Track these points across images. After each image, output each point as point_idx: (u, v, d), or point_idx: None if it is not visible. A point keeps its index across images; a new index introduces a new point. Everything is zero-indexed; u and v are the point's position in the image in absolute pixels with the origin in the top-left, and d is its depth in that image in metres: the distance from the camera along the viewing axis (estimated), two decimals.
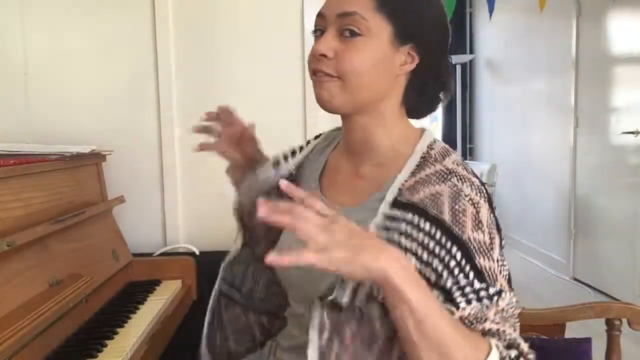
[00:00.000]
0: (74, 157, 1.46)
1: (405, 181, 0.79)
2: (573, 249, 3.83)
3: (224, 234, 1.93)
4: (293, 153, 1.02)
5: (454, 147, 5.55)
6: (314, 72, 0.82)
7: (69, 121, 1.88)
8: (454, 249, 0.73)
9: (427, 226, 0.74)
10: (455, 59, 5.41)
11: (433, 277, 0.73)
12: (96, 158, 1.63)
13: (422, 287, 0.68)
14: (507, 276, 0.78)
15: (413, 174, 0.80)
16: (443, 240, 0.73)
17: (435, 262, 0.73)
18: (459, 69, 5.46)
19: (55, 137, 1.79)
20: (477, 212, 0.76)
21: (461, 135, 5.55)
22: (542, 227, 4.29)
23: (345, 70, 0.79)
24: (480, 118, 5.65)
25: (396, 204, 0.77)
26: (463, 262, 0.73)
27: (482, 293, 0.73)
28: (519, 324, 0.78)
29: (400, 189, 0.78)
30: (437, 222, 0.74)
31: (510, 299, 0.75)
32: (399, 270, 0.65)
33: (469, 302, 0.72)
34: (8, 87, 1.84)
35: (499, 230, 0.79)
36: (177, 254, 1.83)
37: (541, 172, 4.30)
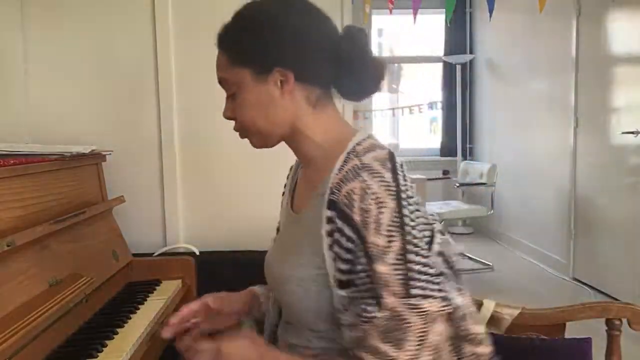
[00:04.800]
0: (74, 157, 1.46)
1: (335, 177, 0.83)
2: (573, 249, 3.83)
3: (224, 234, 1.94)
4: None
5: (454, 147, 5.56)
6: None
7: (69, 121, 1.88)
8: (361, 255, 0.77)
9: (345, 228, 0.78)
10: (455, 59, 5.41)
11: (352, 287, 0.79)
12: (96, 158, 1.63)
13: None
14: (404, 279, 0.76)
15: (339, 170, 0.83)
16: (355, 244, 0.78)
17: (354, 268, 0.78)
18: (458, 69, 5.46)
19: (55, 137, 1.80)
20: (380, 213, 0.77)
21: (461, 135, 5.55)
22: (542, 227, 4.28)
23: (243, 124, 0.91)
24: (480, 118, 5.64)
25: (330, 203, 0.81)
26: (367, 269, 0.77)
27: (364, 314, 0.76)
28: (409, 339, 0.75)
29: (331, 187, 0.82)
30: (349, 222, 0.78)
31: (391, 314, 0.75)
32: None
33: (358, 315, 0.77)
34: (8, 87, 1.84)
35: (403, 230, 0.77)
36: (177, 254, 1.83)
37: (541, 172, 4.29)
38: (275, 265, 0.94)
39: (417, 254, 0.77)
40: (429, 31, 6.20)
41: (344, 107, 1.88)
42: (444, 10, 3.13)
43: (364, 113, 5.81)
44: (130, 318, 1.32)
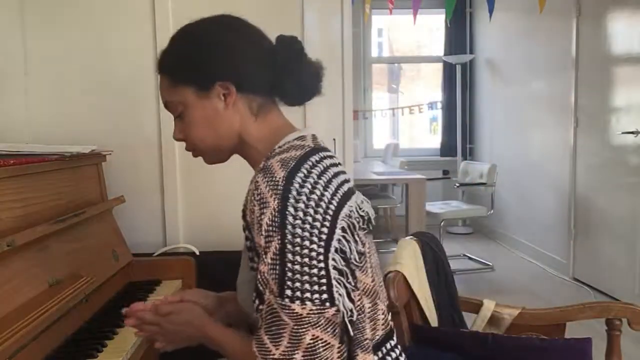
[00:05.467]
0: (74, 157, 1.46)
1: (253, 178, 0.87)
2: (573, 249, 3.83)
3: (224, 234, 1.93)
4: None
5: (454, 147, 5.55)
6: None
7: (69, 121, 1.88)
8: (255, 254, 0.83)
9: (246, 231, 0.85)
10: (455, 59, 5.41)
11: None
12: (96, 158, 1.63)
13: (214, 332, 0.90)
14: (279, 279, 0.77)
15: (259, 169, 0.86)
16: (252, 242, 0.84)
17: (252, 262, 0.85)
18: (459, 69, 5.46)
19: (55, 137, 1.79)
20: (262, 214, 0.79)
21: (461, 135, 5.55)
22: (542, 227, 4.28)
23: (193, 143, 0.94)
24: (480, 118, 5.64)
25: (243, 207, 0.88)
26: (258, 265, 0.81)
27: (254, 304, 0.82)
28: (283, 337, 0.77)
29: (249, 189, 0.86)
30: (246, 226, 0.85)
31: (270, 310, 0.79)
32: (199, 337, 0.91)
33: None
34: (8, 87, 1.84)
35: (283, 229, 0.77)
36: (177, 254, 1.83)
37: (541, 172, 4.29)
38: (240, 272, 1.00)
39: (296, 254, 0.77)
40: (429, 31, 6.20)
41: (344, 107, 1.88)
42: (444, 10, 3.13)
43: (364, 113, 5.81)
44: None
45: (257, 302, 0.81)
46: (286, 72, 0.92)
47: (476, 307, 1.26)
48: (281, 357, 0.78)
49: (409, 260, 1.28)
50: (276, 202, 0.78)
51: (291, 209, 0.78)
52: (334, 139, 1.79)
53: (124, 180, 1.84)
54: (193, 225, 1.95)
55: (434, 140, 6.08)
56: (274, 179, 0.80)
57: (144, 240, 1.88)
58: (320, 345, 0.78)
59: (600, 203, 3.51)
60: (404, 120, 6.10)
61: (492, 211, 4.23)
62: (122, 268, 1.58)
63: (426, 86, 6.36)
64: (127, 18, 1.89)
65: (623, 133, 3.18)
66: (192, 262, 1.70)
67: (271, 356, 0.78)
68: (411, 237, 1.43)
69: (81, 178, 1.55)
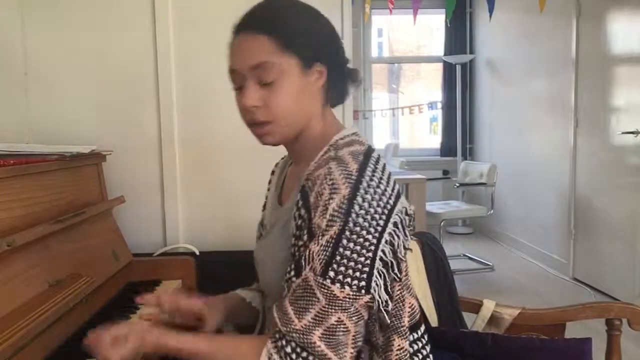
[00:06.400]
0: (74, 157, 1.46)
1: (312, 165, 0.89)
2: (573, 249, 3.83)
3: (224, 234, 1.94)
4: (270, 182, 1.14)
5: (454, 147, 5.56)
6: (249, 124, 0.93)
7: (69, 121, 1.88)
8: (305, 231, 0.84)
9: (302, 210, 0.85)
10: (455, 59, 5.41)
11: (292, 252, 0.86)
12: (96, 158, 1.63)
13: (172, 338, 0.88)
14: (326, 261, 0.81)
15: (317, 160, 0.90)
16: (304, 223, 0.84)
17: (296, 240, 0.85)
18: (459, 69, 5.46)
19: (55, 137, 1.79)
20: (330, 198, 0.81)
21: (461, 135, 5.55)
22: (542, 227, 4.29)
23: (276, 114, 0.89)
24: (480, 118, 5.65)
25: (300, 189, 0.87)
26: (302, 245, 0.84)
27: (287, 275, 0.85)
28: (310, 311, 0.81)
29: (306, 175, 0.88)
30: (306, 205, 0.84)
31: (304, 284, 0.81)
32: (157, 344, 0.88)
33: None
34: (8, 87, 1.84)
35: (347, 217, 0.81)
36: (177, 254, 1.83)
37: (541, 172, 4.30)
38: (264, 254, 1.01)
39: (351, 241, 0.81)
40: (429, 31, 6.20)
41: (344, 107, 1.88)
42: (444, 10, 3.13)
43: (364, 113, 5.81)
44: (130, 318, 1.32)
45: (292, 273, 0.84)
46: (344, 71, 0.98)
47: (476, 307, 1.26)
48: (302, 329, 0.81)
49: (409, 260, 1.28)
50: (348, 190, 0.81)
51: (359, 199, 0.81)
52: None
53: (124, 180, 1.84)
54: (193, 225, 1.95)
55: (434, 140, 6.08)
56: (347, 168, 0.83)
57: (144, 240, 1.88)
58: (341, 328, 0.82)
59: (600, 203, 3.51)
60: (404, 120, 6.11)
61: (492, 211, 4.23)
62: (122, 268, 1.58)
63: (426, 86, 6.36)
64: (127, 18, 1.89)
65: (623, 133, 3.18)
66: (192, 262, 1.70)
67: (292, 326, 0.81)
68: (411, 237, 1.42)
69: (81, 178, 1.55)
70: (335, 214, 0.80)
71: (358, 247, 0.81)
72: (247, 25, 0.90)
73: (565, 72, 3.81)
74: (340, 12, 1.94)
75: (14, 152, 1.39)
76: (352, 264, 0.80)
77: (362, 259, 0.81)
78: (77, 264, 1.32)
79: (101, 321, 1.29)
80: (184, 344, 0.88)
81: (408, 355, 0.92)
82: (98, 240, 1.51)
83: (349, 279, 0.80)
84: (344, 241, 0.80)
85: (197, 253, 1.84)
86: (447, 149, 5.77)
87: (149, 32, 1.88)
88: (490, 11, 2.87)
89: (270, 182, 1.15)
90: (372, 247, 0.82)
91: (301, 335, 0.81)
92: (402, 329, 0.90)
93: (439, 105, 5.86)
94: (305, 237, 0.84)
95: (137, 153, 1.91)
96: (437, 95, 5.91)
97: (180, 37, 1.90)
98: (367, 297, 0.82)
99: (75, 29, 1.88)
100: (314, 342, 0.80)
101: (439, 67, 5.86)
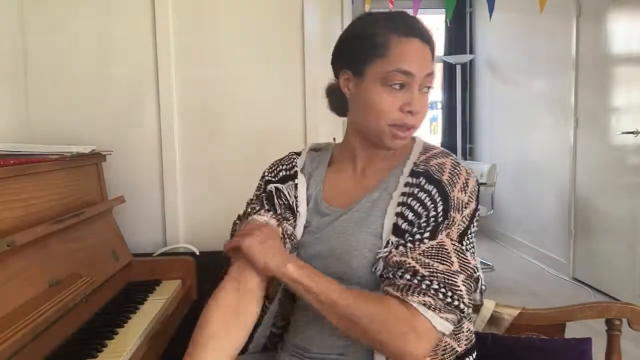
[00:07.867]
0: (74, 157, 1.46)
1: (418, 159, 0.99)
2: (573, 249, 3.83)
3: (224, 234, 1.93)
4: (284, 178, 1.09)
5: (454, 147, 5.56)
6: (398, 125, 0.96)
7: (69, 121, 1.88)
8: (439, 202, 0.91)
9: (427, 185, 0.93)
10: (455, 59, 5.41)
11: (413, 228, 0.91)
12: (96, 158, 1.63)
13: (307, 271, 0.91)
14: (463, 231, 0.92)
15: (421, 154, 1.00)
16: (436, 195, 0.92)
17: (423, 213, 0.91)
18: (459, 69, 5.46)
19: (55, 137, 1.80)
20: (467, 179, 0.94)
21: (461, 135, 5.55)
22: (542, 227, 4.28)
23: (421, 120, 0.99)
24: (480, 118, 5.64)
25: (412, 173, 0.96)
26: (440, 213, 0.91)
27: (411, 244, 0.90)
28: (451, 260, 0.88)
29: (415, 163, 0.98)
30: (436, 182, 0.93)
31: (438, 245, 0.89)
32: (289, 266, 0.91)
33: (404, 245, 0.90)
34: (8, 87, 1.85)
35: (477, 201, 0.95)
36: (177, 254, 1.84)
37: (541, 172, 4.29)
38: (342, 241, 0.98)
39: (476, 221, 0.95)
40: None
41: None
42: (444, 10, 3.13)
43: None
44: (130, 318, 1.32)
45: (426, 235, 0.89)
46: None
47: (476, 307, 1.26)
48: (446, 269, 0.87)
49: None
50: (475, 178, 0.97)
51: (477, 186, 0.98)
52: (334, 138, 1.78)
53: (124, 180, 1.84)
54: (193, 225, 1.95)
55: (434, 140, 6.08)
56: (460, 163, 0.96)
57: (144, 240, 1.88)
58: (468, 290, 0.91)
59: (600, 203, 3.51)
60: None
61: (492, 211, 4.23)
62: (122, 268, 1.58)
63: None
64: (127, 18, 1.89)
65: (623, 133, 3.18)
66: (192, 262, 1.70)
67: (436, 267, 0.87)
68: None
69: (81, 178, 1.55)
70: (473, 193, 0.94)
71: (476, 228, 0.96)
72: (421, 34, 0.96)
73: (565, 72, 3.81)
74: (340, 12, 1.94)
75: (14, 152, 1.39)
76: (473, 240, 0.95)
77: (475, 238, 0.96)
78: (77, 264, 1.32)
79: (101, 321, 1.30)
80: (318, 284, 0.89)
81: (473, 336, 1.01)
82: (98, 240, 1.51)
83: (473, 250, 0.94)
84: (475, 222, 0.95)
85: (197, 253, 1.84)
86: (447, 148, 5.64)
87: (149, 32, 1.89)
88: (490, 11, 2.86)
89: (290, 179, 1.08)
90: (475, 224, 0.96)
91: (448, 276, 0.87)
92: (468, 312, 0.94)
93: (439, 105, 5.86)
94: (439, 209, 0.91)
95: (137, 153, 1.91)
96: (437, 95, 5.91)
97: (180, 37, 1.90)
98: (477, 274, 0.93)
99: (76, 28, 1.89)
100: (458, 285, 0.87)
101: (438, 67, 5.87)
